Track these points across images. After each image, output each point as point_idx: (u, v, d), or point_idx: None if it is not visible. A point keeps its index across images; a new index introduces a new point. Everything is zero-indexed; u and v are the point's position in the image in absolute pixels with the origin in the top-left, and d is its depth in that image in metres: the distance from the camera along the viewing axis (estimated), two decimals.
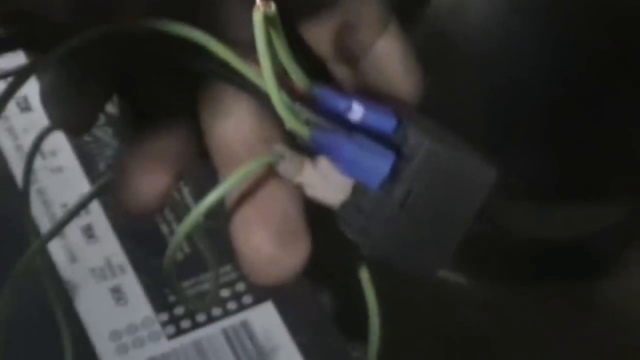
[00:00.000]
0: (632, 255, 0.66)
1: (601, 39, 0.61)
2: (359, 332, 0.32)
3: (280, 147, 0.26)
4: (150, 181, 0.27)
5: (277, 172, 0.26)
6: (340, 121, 0.26)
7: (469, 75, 0.65)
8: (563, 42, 0.60)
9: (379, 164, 0.26)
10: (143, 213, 0.27)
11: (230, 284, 0.45)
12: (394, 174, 0.26)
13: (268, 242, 0.26)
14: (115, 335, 0.43)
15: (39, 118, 0.48)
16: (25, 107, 0.49)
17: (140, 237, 0.46)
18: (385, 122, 0.26)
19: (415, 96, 0.29)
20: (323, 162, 0.26)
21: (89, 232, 0.46)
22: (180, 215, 0.46)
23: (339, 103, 0.26)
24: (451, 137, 0.27)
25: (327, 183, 0.26)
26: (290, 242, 0.26)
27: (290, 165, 0.26)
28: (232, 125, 0.27)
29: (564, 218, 0.68)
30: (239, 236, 0.26)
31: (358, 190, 0.26)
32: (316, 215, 0.27)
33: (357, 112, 0.26)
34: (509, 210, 0.69)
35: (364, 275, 0.30)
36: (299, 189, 0.26)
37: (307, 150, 0.26)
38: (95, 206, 0.46)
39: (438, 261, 0.27)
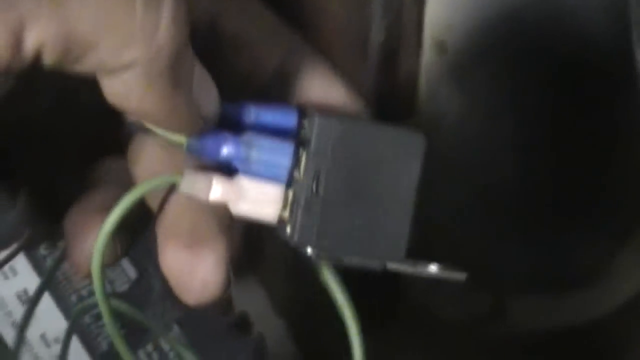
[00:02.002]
0: None
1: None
2: None
3: (187, 170, 0.26)
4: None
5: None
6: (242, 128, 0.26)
7: (454, 178, 0.66)
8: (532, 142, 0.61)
9: (278, 156, 0.26)
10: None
11: None
12: (299, 162, 0.25)
13: (179, 252, 0.26)
14: None
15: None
16: None
17: None
18: (286, 119, 0.26)
19: (352, 103, 0.28)
20: (242, 179, 0.26)
21: None
22: None
23: (232, 110, 0.26)
24: (372, 121, 0.26)
25: (251, 198, 0.26)
26: (201, 247, 0.26)
27: (190, 183, 0.26)
28: (145, 162, 0.28)
29: (571, 305, 0.68)
30: (160, 258, 0.26)
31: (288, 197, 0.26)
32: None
33: (252, 114, 0.26)
34: (520, 305, 0.69)
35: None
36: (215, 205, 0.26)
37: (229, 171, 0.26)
38: None
39: (393, 246, 0.26)
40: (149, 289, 0.50)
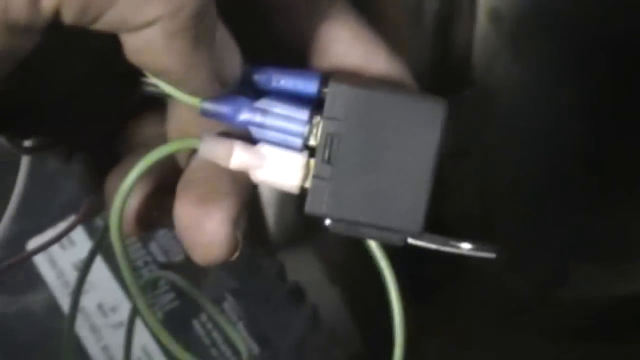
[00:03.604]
0: None
1: None
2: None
3: (206, 135, 0.26)
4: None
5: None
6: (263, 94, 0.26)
7: (514, 148, 0.66)
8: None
9: (294, 123, 0.25)
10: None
11: None
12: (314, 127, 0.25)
13: (189, 207, 0.26)
14: None
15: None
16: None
17: None
18: (308, 86, 0.26)
19: (385, 66, 0.27)
20: (263, 146, 0.26)
21: None
22: None
23: (253, 75, 0.26)
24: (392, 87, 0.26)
25: (272, 166, 0.26)
26: (211, 204, 0.26)
27: (211, 147, 0.26)
28: (177, 124, 0.28)
29: (630, 275, 0.68)
30: (173, 212, 0.26)
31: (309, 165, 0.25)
32: None
33: (273, 79, 0.26)
34: (580, 274, 0.68)
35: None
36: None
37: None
38: None
39: (410, 218, 0.25)
40: None
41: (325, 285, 0.63)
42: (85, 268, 0.33)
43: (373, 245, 0.27)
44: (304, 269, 0.63)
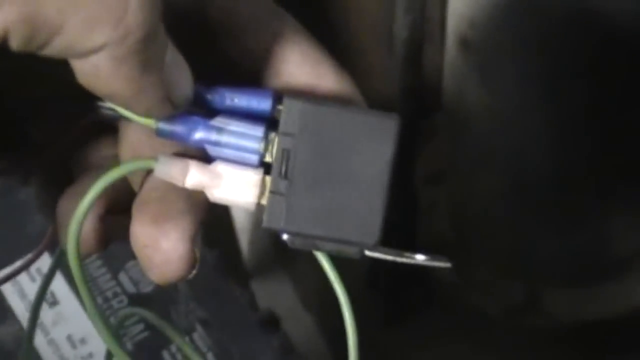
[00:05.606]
0: None
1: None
2: None
3: (161, 155, 0.26)
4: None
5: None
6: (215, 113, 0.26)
7: (486, 170, 0.66)
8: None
9: (249, 140, 0.26)
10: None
11: None
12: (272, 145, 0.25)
13: (145, 226, 0.26)
14: None
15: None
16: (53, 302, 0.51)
17: None
18: (261, 103, 0.26)
19: (342, 87, 0.28)
20: (218, 165, 0.26)
21: None
22: None
23: (207, 95, 0.26)
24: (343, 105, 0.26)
25: (227, 184, 0.26)
26: (167, 222, 0.26)
27: (166, 167, 0.26)
28: (129, 146, 0.28)
29: (604, 297, 0.68)
30: (129, 232, 0.26)
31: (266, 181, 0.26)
32: None
33: (227, 98, 0.26)
34: (554, 296, 0.69)
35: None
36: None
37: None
38: None
39: (366, 230, 0.26)
40: (174, 289, 0.50)
41: (300, 312, 0.63)
42: (44, 286, 0.33)
43: (322, 259, 0.27)
44: (277, 295, 0.63)
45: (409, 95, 0.60)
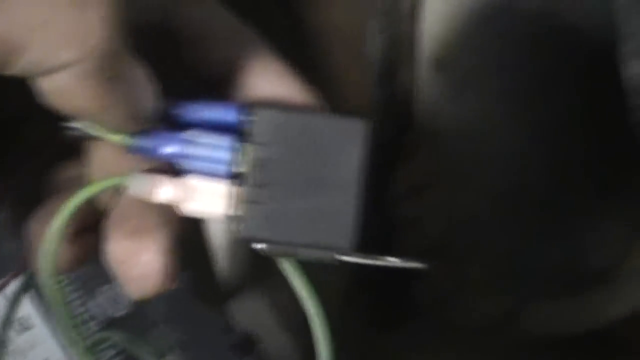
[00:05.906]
0: None
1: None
2: None
3: (134, 172, 0.27)
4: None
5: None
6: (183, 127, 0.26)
7: (467, 185, 0.66)
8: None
9: (218, 152, 0.26)
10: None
11: None
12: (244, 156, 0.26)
13: (122, 241, 0.26)
14: None
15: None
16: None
17: None
18: (227, 115, 0.26)
19: (305, 98, 0.28)
20: (190, 178, 0.26)
21: None
22: None
23: (174, 109, 0.27)
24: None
25: (200, 196, 0.26)
26: (143, 236, 0.26)
27: (138, 184, 0.26)
28: (98, 164, 0.28)
29: (586, 309, 0.68)
30: (104, 248, 0.27)
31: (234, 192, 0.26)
32: None
33: (194, 111, 0.27)
34: (535, 309, 0.69)
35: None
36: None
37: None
38: None
39: (340, 236, 0.26)
40: (147, 313, 0.50)
41: (277, 331, 0.63)
42: (12, 305, 0.33)
43: (289, 269, 0.27)
44: (254, 315, 0.62)
45: (385, 113, 0.60)
